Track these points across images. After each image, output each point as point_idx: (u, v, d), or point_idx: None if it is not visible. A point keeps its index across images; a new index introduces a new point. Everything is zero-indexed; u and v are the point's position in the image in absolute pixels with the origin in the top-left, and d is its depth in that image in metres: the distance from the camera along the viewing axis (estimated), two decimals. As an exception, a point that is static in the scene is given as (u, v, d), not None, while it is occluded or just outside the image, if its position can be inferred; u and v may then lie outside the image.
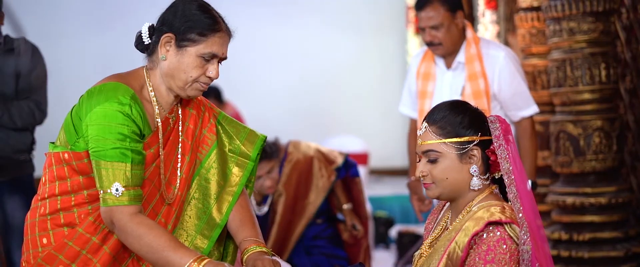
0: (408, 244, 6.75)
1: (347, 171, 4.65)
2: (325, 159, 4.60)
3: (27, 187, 4.11)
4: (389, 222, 7.91)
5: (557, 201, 4.51)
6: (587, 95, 4.41)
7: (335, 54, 10.84)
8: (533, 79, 5.23)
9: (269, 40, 10.78)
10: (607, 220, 4.39)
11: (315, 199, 4.53)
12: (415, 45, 10.08)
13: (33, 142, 4.20)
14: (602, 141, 4.38)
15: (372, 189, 8.60)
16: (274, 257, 2.53)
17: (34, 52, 4.14)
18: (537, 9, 5.16)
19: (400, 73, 10.78)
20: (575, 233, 4.41)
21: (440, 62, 4.10)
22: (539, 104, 4.15)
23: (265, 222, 4.48)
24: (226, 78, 7.65)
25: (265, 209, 4.52)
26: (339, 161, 4.61)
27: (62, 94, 5.02)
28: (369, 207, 6.68)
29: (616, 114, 4.47)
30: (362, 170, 4.99)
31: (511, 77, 3.98)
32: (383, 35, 10.91)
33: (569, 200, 4.44)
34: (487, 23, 6.10)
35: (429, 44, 4.00)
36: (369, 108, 10.84)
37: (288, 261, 4.45)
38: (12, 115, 4.02)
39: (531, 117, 4.07)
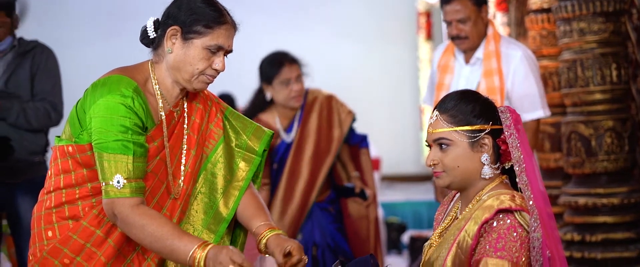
0: (421, 248, 6.73)
1: (357, 139, 4.79)
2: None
3: (39, 188, 4.11)
4: (402, 228, 7.92)
5: (569, 202, 4.48)
6: (598, 96, 4.39)
7: (345, 61, 10.85)
8: (544, 81, 5.20)
9: (278, 48, 10.77)
10: (619, 221, 4.36)
11: (339, 134, 4.65)
12: (426, 52, 10.08)
13: (47, 143, 4.23)
14: (613, 141, 4.36)
15: (384, 195, 8.59)
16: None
17: (49, 54, 4.21)
18: (547, 10, 5.15)
19: (411, 80, 10.77)
20: (588, 234, 4.38)
21: (460, 57, 4.13)
22: (549, 105, 4.14)
23: (287, 153, 4.59)
24: (237, 85, 7.69)
25: (292, 135, 4.61)
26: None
27: (69, 99, 5.04)
28: (381, 212, 6.66)
29: (628, 114, 4.45)
30: (374, 176, 5.08)
31: (524, 78, 3.97)
32: (394, 41, 10.92)
33: (581, 201, 4.42)
34: (497, 25, 6.08)
35: (455, 38, 4.00)
36: (380, 115, 10.83)
37: (308, 215, 4.57)
38: (27, 116, 4.05)
39: (537, 120, 4.06)
